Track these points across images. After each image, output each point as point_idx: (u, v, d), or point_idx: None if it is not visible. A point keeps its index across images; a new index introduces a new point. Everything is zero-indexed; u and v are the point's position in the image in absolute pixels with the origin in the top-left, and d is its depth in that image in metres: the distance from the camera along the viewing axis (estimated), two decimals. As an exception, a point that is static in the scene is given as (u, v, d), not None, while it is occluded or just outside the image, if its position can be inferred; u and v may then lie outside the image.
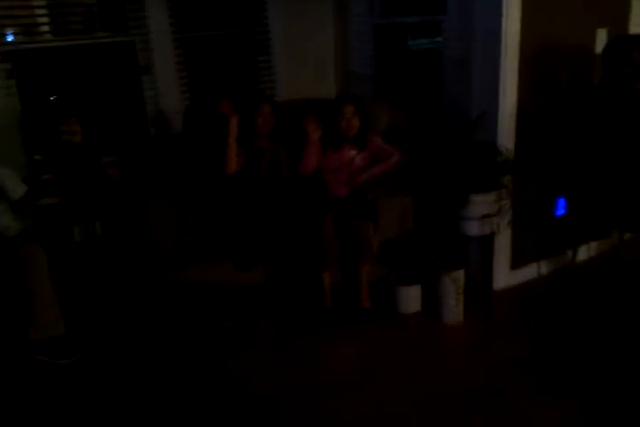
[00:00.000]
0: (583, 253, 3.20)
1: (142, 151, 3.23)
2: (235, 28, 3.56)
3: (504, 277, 2.97)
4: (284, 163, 2.95)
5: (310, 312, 2.76)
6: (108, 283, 2.87)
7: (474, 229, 2.64)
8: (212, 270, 2.78)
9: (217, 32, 3.52)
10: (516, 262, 3.02)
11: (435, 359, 2.46)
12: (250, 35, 3.59)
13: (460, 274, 2.66)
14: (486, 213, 2.60)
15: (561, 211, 3.01)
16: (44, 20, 3.18)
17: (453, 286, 2.65)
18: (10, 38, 3.07)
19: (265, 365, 2.47)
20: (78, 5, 3.24)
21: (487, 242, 2.72)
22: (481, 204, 2.60)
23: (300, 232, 2.74)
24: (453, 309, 2.68)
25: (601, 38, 2.90)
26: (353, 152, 2.89)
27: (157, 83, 3.27)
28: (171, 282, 2.84)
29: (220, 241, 2.76)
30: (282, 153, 2.96)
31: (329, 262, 2.71)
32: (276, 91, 3.64)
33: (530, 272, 3.09)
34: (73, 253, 2.72)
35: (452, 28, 3.07)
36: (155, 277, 2.85)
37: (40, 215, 2.62)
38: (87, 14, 3.27)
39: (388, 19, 3.63)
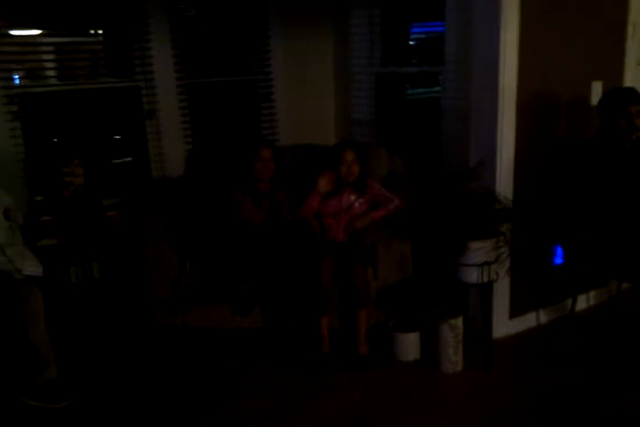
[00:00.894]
0: (582, 302, 3.19)
1: (144, 194, 3.25)
2: (238, 74, 3.66)
3: (503, 325, 2.94)
4: (286, 206, 2.97)
5: (307, 358, 2.72)
6: (104, 326, 2.83)
7: (472, 276, 2.63)
8: (211, 314, 2.76)
9: (221, 78, 3.61)
10: (515, 311, 2.99)
11: (432, 409, 2.41)
12: (253, 81, 3.68)
13: (459, 322, 2.64)
14: (485, 261, 2.60)
15: (559, 259, 3.01)
16: (51, 64, 3.27)
17: (452, 333, 2.62)
18: (17, 81, 3.14)
19: (260, 412, 2.42)
20: (84, 51, 3.34)
21: (486, 290, 2.71)
22: (479, 251, 2.60)
23: (298, 277, 2.72)
24: (452, 357, 2.64)
25: (596, 91, 2.97)
26: (352, 197, 2.92)
27: (161, 127, 3.33)
28: (168, 325, 2.82)
29: (218, 284, 2.75)
30: (283, 196, 2.98)
31: (327, 308, 2.69)
32: (277, 136, 3.71)
33: (529, 321, 3.06)
34: (69, 294, 2.70)
35: (450, 78, 3.16)
36: (152, 320, 2.82)
37: (39, 256, 2.61)
38: (93, 59, 3.37)
39: (388, 68, 3.74)
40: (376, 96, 3.78)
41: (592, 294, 3.26)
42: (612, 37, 3.04)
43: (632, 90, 2.74)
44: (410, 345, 2.75)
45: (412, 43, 3.95)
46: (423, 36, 3.94)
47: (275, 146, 3.13)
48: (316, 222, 2.90)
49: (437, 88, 3.53)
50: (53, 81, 3.29)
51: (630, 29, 3.06)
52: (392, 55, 3.76)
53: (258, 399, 2.50)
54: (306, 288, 2.70)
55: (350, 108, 3.86)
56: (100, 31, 3.36)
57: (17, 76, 3.15)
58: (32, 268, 2.53)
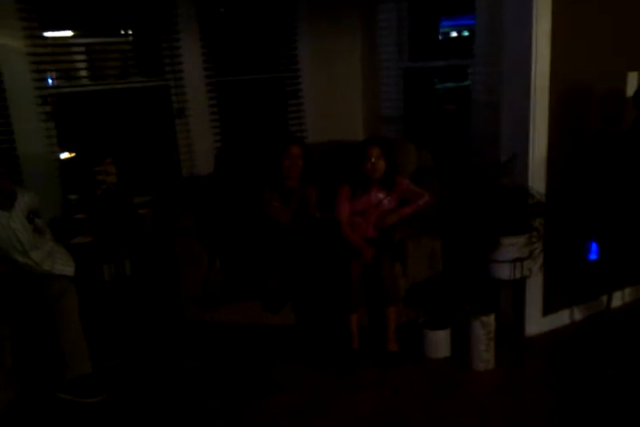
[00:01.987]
0: (617, 299, 3.10)
1: (174, 192, 3.29)
2: (266, 72, 3.67)
3: (536, 322, 2.89)
4: (314, 203, 2.96)
5: (338, 354, 2.72)
6: (136, 322, 2.87)
7: (504, 272, 2.59)
8: (241, 311, 2.79)
9: (249, 76, 3.63)
10: (548, 308, 2.93)
11: (463, 406, 2.39)
12: (281, 79, 3.69)
13: (491, 319, 2.60)
14: (517, 257, 2.55)
15: (594, 255, 2.95)
16: (83, 65, 3.33)
17: (484, 331, 2.58)
18: (50, 82, 3.21)
19: (291, 408, 2.43)
20: (115, 51, 3.39)
21: (518, 286, 2.67)
22: (512, 247, 2.56)
23: (328, 275, 2.72)
24: (483, 354, 2.61)
25: (632, 81, 2.89)
26: (381, 194, 2.90)
27: (190, 125, 3.36)
28: (199, 322, 2.84)
29: (248, 281, 2.76)
30: (312, 193, 2.98)
31: (356, 305, 2.69)
32: (305, 133, 3.71)
33: (562, 318, 3.00)
34: (102, 291, 2.75)
35: (480, 71, 3.11)
36: (183, 316, 2.85)
37: (73, 254, 2.66)
38: (123, 59, 3.42)
39: (417, 62, 3.70)
40: (404, 91, 3.75)
41: (627, 290, 3.17)
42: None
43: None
44: (440, 342, 2.73)
45: (440, 36, 3.91)
46: (452, 29, 3.89)
47: (304, 143, 3.13)
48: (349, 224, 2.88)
49: (467, 82, 3.49)
50: (85, 81, 3.36)
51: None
52: (420, 49, 3.72)
53: (288, 396, 2.51)
54: (335, 285, 2.69)
55: (378, 104, 3.83)
56: (130, 31, 3.41)
57: (50, 77, 3.21)
58: (61, 267, 2.56)
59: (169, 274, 2.90)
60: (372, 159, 2.84)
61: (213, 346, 2.94)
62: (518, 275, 2.58)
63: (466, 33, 3.48)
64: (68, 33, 3.26)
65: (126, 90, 3.33)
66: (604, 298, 2.90)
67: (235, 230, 2.93)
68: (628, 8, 2.82)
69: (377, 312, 2.75)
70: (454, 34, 3.89)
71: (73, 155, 3.35)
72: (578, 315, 3.04)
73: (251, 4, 3.54)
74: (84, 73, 3.40)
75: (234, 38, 3.57)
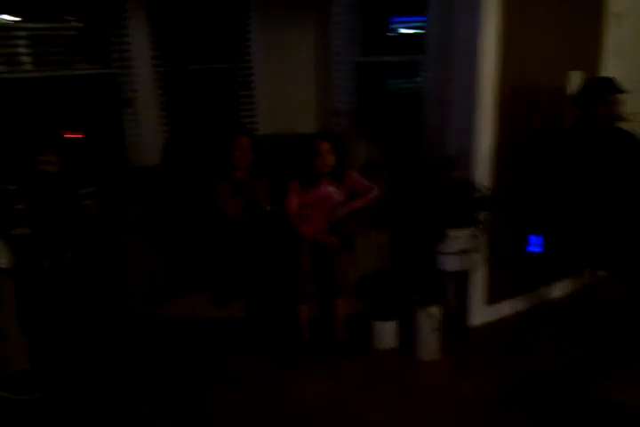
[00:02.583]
0: (558, 290, 3.22)
1: (120, 183, 3.21)
2: (217, 62, 3.62)
3: (480, 313, 2.97)
4: (264, 196, 2.95)
5: (287, 345, 2.72)
6: (79, 316, 2.80)
7: (450, 264, 2.65)
8: (189, 304, 2.75)
9: (199, 66, 3.57)
10: (492, 299, 3.02)
11: (409, 396, 2.43)
12: (232, 70, 3.64)
13: (437, 310, 2.65)
14: (463, 249, 2.62)
15: (534, 248, 3.04)
16: (26, 50, 3.20)
17: (429, 321, 2.63)
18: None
19: (238, 401, 2.42)
20: (60, 37, 3.28)
21: (463, 277, 2.73)
22: (457, 239, 2.62)
23: (279, 266, 2.72)
24: (429, 345, 2.66)
25: (573, 80, 2.99)
26: (331, 188, 2.91)
27: (138, 115, 3.29)
28: (147, 316, 2.79)
29: (195, 275, 2.73)
30: (262, 185, 2.97)
31: (306, 296, 2.70)
32: (257, 125, 3.68)
33: (506, 308, 3.09)
34: (42, 284, 2.66)
35: (431, 67, 3.15)
36: (129, 310, 2.80)
37: (12, 245, 2.57)
38: (69, 46, 3.30)
39: (369, 57, 3.72)
40: (357, 85, 3.77)
41: (568, 282, 3.28)
42: (591, 28, 3.06)
43: (611, 79, 2.75)
44: (388, 333, 2.77)
45: (393, 32, 3.94)
46: (404, 25, 3.92)
47: (254, 135, 3.10)
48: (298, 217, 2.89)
49: (419, 78, 3.53)
50: (29, 67, 3.23)
51: (609, 19, 3.07)
52: (373, 44, 3.74)
53: (235, 389, 2.50)
54: (285, 277, 2.69)
55: (331, 98, 3.83)
56: (77, 17, 3.30)
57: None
58: None
59: (114, 267, 2.84)
60: (322, 153, 2.85)
61: (161, 340, 2.90)
62: (463, 266, 2.64)
63: (418, 30, 3.52)
64: (12, 18, 3.13)
65: (71, 77, 3.23)
66: (546, 289, 3.00)
67: (182, 223, 2.89)
68: (572, 10, 2.92)
69: (327, 304, 2.76)
70: (407, 31, 3.92)
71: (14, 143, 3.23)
72: (520, 305, 3.13)
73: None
74: (27, 59, 3.27)
75: (184, 27, 3.50)
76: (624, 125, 2.78)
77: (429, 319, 2.63)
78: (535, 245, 2.85)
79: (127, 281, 2.78)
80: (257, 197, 2.94)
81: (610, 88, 2.69)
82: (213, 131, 3.19)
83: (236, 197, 2.93)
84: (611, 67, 3.12)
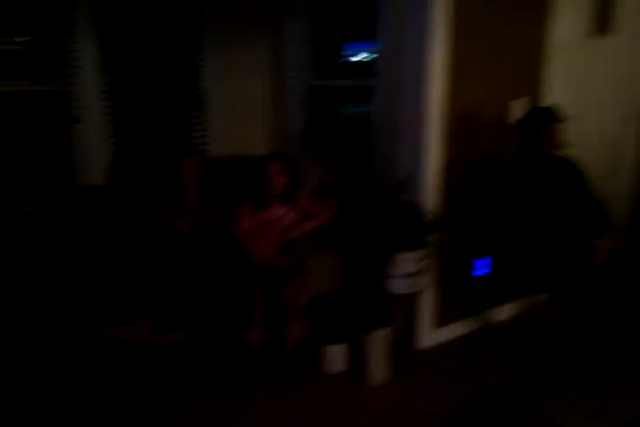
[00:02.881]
0: (505, 312, 3.28)
1: (64, 202, 3.12)
2: (169, 82, 3.59)
3: (429, 335, 3.00)
4: (215, 217, 2.91)
5: (235, 372, 2.67)
6: (23, 340, 2.68)
7: (399, 286, 2.67)
8: (132, 329, 2.66)
9: (149, 85, 3.53)
10: (441, 321, 3.05)
11: (357, 419, 2.42)
12: (184, 89, 3.62)
13: (386, 332, 2.66)
14: (411, 272, 2.64)
15: (480, 271, 3.10)
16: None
17: (379, 344, 2.64)
18: None
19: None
20: (7, 52, 3.19)
21: (412, 300, 2.75)
22: (406, 262, 2.65)
23: (227, 290, 2.68)
24: (378, 368, 2.66)
25: (517, 108, 3.09)
26: (282, 209, 2.90)
27: (86, 133, 3.22)
28: (94, 341, 2.70)
29: (140, 300, 2.66)
30: (212, 207, 2.93)
31: (256, 320, 2.66)
32: (209, 146, 3.66)
33: (454, 331, 3.13)
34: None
35: (382, 92, 3.21)
36: (73, 334, 2.70)
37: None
38: (15, 61, 3.22)
39: (322, 81, 3.77)
40: (310, 108, 3.81)
41: (514, 304, 3.35)
42: (535, 57, 3.19)
43: (551, 108, 2.85)
44: (337, 357, 2.75)
45: (346, 57, 4.02)
46: (358, 50, 4.01)
47: (203, 155, 3.08)
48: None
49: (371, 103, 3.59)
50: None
51: (551, 49, 3.21)
52: (326, 68, 3.80)
53: (183, 416, 2.44)
54: (235, 301, 2.65)
55: (285, 120, 3.86)
56: (25, 33, 3.22)
57: None
58: None
59: (57, 289, 2.74)
60: (273, 175, 2.85)
61: (103, 366, 2.79)
62: (412, 289, 2.67)
63: (370, 56, 3.61)
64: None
65: (17, 93, 3.14)
66: (493, 311, 3.05)
67: (128, 244, 2.82)
68: (516, 40, 3.04)
69: (276, 327, 2.73)
70: (360, 56, 4.01)
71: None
72: (468, 328, 3.18)
73: (154, 12, 3.47)
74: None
75: (134, 46, 3.47)
76: (565, 153, 2.88)
77: (378, 342, 2.64)
78: (480, 268, 2.90)
79: (72, 305, 2.68)
80: (207, 218, 2.90)
81: (550, 117, 2.78)
82: (163, 151, 3.14)
83: (184, 218, 2.88)
84: (554, 95, 3.25)
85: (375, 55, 3.25)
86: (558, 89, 3.29)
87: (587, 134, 3.41)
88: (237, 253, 2.79)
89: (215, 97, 3.68)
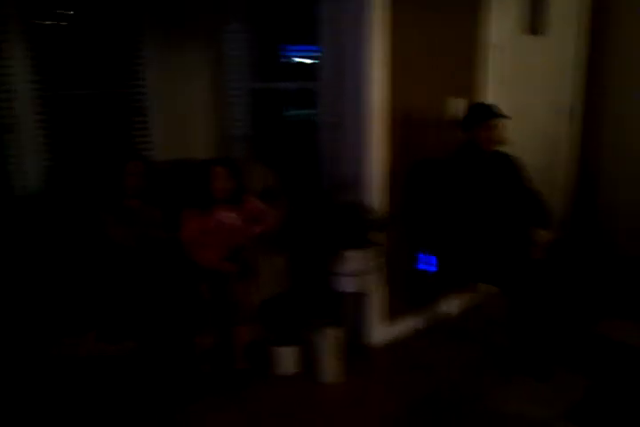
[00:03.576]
0: (453, 304, 3.35)
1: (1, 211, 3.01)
2: (107, 87, 3.51)
3: (380, 332, 3.02)
4: (158, 222, 2.86)
5: (185, 380, 2.62)
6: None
7: (348, 285, 2.68)
8: (80, 343, 2.57)
9: (88, 91, 3.45)
10: (392, 318, 3.08)
11: (311, 420, 2.41)
12: (124, 95, 3.55)
13: (338, 331, 2.67)
14: (359, 270, 2.66)
15: (425, 266, 3.15)
16: None
17: (330, 343, 2.64)
18: None
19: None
20: None
21: (361, 298, 2.77)
22: (353, 260, 2.67)
23: (175, 297, 2.63)
24: (331, 367, 2.66)
25: (456, 107, 3.16)
26: (228, 214, 2.87)
27: (20, 141, 3.11)
28: (37, 357, 2.59)
29: (85, 312, 2.58)
30: (155, 213, 2.88)
31: (206, 326, 2.62)
32: (152, 151, 3.59)
33: (404, 326, 3.16)
34: None
35: (325, 94, 3.23)
36: (16, 351, 2.59)
37: None
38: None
39: (264, 84, 3.77)
40: (254, 111, 3.79)
41: (462, 297, 3.42)
42: (473, 57, 3.27)
43: (490, 106, 2.91)
44: (289, 358, 2.74)
45: (288, 59, 4.03)
46: (300, 52, 4.02)
47: (145, 160, 3.02)
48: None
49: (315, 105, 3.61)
50: None
51: (488, 49, 3.30)
52: (268, 71, 3.80)
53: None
54: (184, 308, 2.61)
55: (228, 124, 3.84)
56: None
57: None
58: None
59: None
60: (218, 178, 2.82)
61: (52, 381, 2.69)
62: (360, 287, 2.68)
63: (312, 59, 3.63)
64: None
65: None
66: (441, 306, 3.11)
67: (68, 255, 2.73)
68: (454, 41, 3.13)
69: (226, 332, 2.70)
70: (302, 58, 4.03)
71: None
72: (418, 323, 3.21)
73: (89, 18, 3.39)
74: None
75: (69, 52, 3.37)
76: (504, 148, 2.96)
77: (329, 342, 2.64)
78: (426, 263, 2.95)
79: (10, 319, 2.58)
80: (150, 225, 2.84)
81: (488, 113, 2.86)
82: (103, 157, 3.06)
83: (127, 226, 2.82)
84: (491, 94, 3.34)
85: (317, 58, 3.26)
86: (495, 87, 3.39)
87: (524, 130, 3.52)
88: (184, 260, 2.75)
89: (157, 101, 3.62)
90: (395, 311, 3.09)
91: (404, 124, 2.97)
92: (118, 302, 2.58)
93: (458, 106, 3.16)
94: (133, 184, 2.83)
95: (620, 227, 4.17)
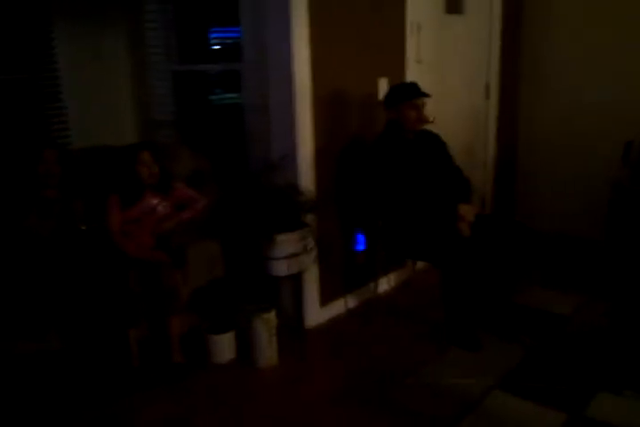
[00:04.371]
0: (384, 284, 3.41)
1: None
2: (14, 73, 3.29)
3: (315, 314, 3.04)
4: (79, 214, 2.74)
5: (119, 373, 2.55)
6: None
7: (281, 268, 2.67)
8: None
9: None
10: (325, 299, 3.10)
11: (249, 405, 2.41)
12: (35, 80, 3.35)
13: (272, 316, 2.65)
14: (292, 253, 2.65)
15: (361, 246, 3.19)
16: None
17: (265, 328, 2.62)
18: None
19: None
20: None
21: (296, 281, 2.77)
22: (286, 243, 2.65)
23: (101, 289, 2.53)
24: (266, 351, 2.65)
25: (383, 86, 3.18)
26: (155, 200, 2.78)
27: None
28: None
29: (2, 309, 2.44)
30: (75, 201, 2.75)
31: (135, 319, 2.55)
32: (69, 139, 3.43)
33: (338, 307, 3.19)
34: None
35: (250, 76, 3.16)
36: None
37: None
38: None
39: (187, 66, 3.65)
40: (176, 95, 3.67)
41: (393, 275, 3.50)
42: (395, 37, 3.27)
43: (415, 84, 2.92)
44: (225, 346, 2.71)
45: (210, 41, 3.91)
46: (222, 33, 3.92)
47: (60, 147, 2.87)
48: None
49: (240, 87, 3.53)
50: None
51: (409, 29, 3.33)
52: (190, 53, 3.68)
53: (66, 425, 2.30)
54: (111, 300, 2.52)
55: (151, 108, 3.70)
56: None
57: None
58: None
59: None
60: (144, 164, 2.72)
61: None
62: (294, 270, 2.68)
63: (236, 40, 3.55)
64: None
65: None
66: (373, 284, 3.15)
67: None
68: (377, 20, 3.11)
69: (158, 323, 2.64)
70: (225, 40, 3.93)
71: None
72: (352, 302, 3.26)
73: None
74: None
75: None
76: (429, 127, 3.01)
77: (265, 326, 2.62)
78: (359, 244, 2.99)
79: None
80: (71, 216, 2.71)
81: (412, 92, 2.88)
82: (16, 145, 2.89)
83: (44, 216, 2.67)
84: (412, 73, 3.37)
85: (241, 39, 3.18)
86: (414, 66, 3.41)
87: (445, 109, 3.58)
88: (110, 250, 2.65)
89: (74, 86, 3.46)
90: (329, 293, 3.10)
91: (331, 105, 2.96)
92: (38, 296, 2.46)
93: (384, 85, 3.18)
94: (48, 173, 2.68)
95: (538, 204, 4.38)
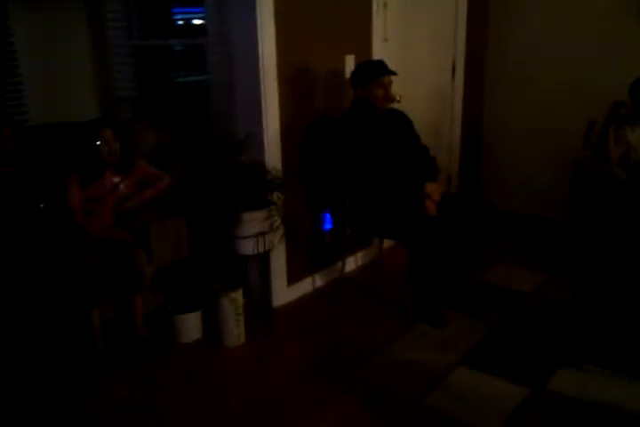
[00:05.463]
0: (351, 263, 3.42)
1: None
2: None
3: (282, 293, 3.03)
4: (36, 190, 2.65)
5: (82, 356, 2.50)
6: None
7: (248, 247, 2.64)
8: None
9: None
10: (292, 278, 3.09)
11: (216, 384, 2.39)
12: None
13: (238, 295, 2.63)
14: (259, 231, 2.62)
15: (328, 225, 3.18)
16: None
17: (232, 307, 2.60)
18: None
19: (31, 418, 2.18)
20: None
21: (263, 260, 2.74)
22: (252, 222, 2.61)
23: (62, 268, 2.47)
24: (233, 330, 2.63)
25: (349, 64, 3.14)
26: (117, 178, 2.71)
27: None
28: None
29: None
30: (32, 181, 2.66)
31: (98, 299, 2.49)
32: (26, 115, 3.30)
33: (305, 286, 3.19)
34: None
35: (214, 51, 3.08)
36: None
37: None
38: None
39: (149, 40, 3.54)
40: (138, 70, 3.56)
41: (359, 254, 3.51)
42: (361, 14, 3.23)
43: (382, 62, 2.89)
44: (191, 325, 2.68)
45: (173, 15, 3.80)
46: (187, 8, 3.82)
47: (16, 124, 2.76)
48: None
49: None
50: None
51: (375, 7, 3.28)
52: (152, 28, 3.57)
53: (33, 408, 2.26)
54: (72, 280, 2.45)
55: (111, 84, 3.59)
56: None
57: None
58: None
59: None
60: (106, 141, 2.64)
61: None
62: (261, 249, 2.65)
63: (199, 15, 3.45)
64: None
65: None
66: (340, 263, 3.15)
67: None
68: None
69: (122, 303, 2.59)
70: (188, 14, 3.82)
71: None
72: (319, 281, 3.26)
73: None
74: None
75: None
76: (396, 105, 2.99)
77: (232, 305, 2.60)
78: (325, 222, 2.97)
79: None
80: (28, 194, 2.62)
81: (378, 70, 2.84)
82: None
83: (1, 193, 2.58)
84: (378, 51, 3.33)
85: (205, 13, 3.09)
86: (386, 45, 3.39)
87: (411, 87, 3.57)
88: (70, 228, 2.57)
89: (30, 61, 3.32)
90: (296, 272, 3.09)
91: (298, 82, 2.91)
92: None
93: (348, 63, 3.14)
94: (4, 150, 2.58)
95: (503, 184, 4.43)
